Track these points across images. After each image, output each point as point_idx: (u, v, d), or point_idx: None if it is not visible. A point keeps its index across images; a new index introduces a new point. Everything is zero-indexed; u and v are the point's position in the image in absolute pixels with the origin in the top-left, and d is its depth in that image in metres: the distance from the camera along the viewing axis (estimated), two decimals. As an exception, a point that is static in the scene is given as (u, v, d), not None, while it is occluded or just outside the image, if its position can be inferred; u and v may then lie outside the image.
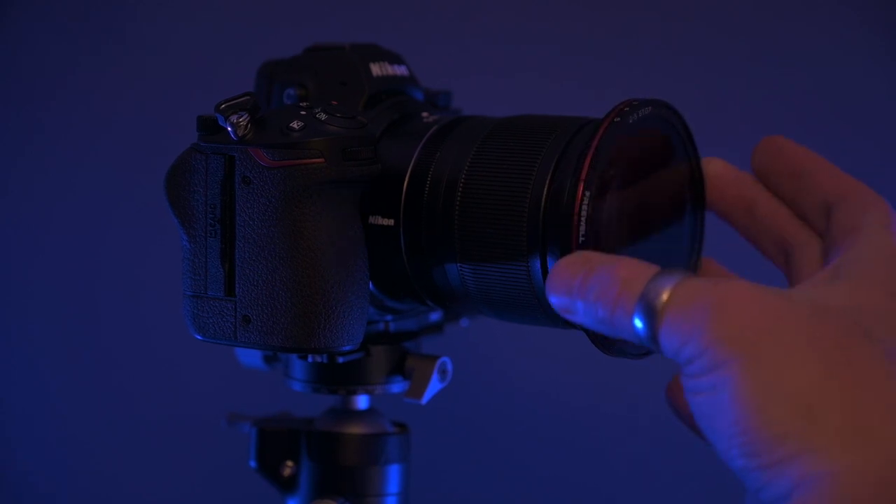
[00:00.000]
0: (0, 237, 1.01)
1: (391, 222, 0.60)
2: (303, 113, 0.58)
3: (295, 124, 0.57)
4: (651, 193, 0.58)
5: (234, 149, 0.57)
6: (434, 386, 0.65)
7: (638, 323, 0.48)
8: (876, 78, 0.94)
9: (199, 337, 0.60)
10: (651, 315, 0.48)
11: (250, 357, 0.69)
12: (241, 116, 0.57)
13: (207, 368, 0.97)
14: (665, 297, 0.48)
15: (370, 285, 0.61)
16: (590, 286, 0.50)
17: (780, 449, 0.44)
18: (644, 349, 0.58)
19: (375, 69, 0.64)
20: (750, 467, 0.45)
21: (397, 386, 0.66)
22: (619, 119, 0.54)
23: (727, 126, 0.94)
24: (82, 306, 1.01)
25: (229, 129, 0.57)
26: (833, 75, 0.94)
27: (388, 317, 0.65)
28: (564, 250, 0.53)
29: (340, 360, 0.63)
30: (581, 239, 0.53)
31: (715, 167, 0.62)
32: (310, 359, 0.65)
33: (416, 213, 0.59)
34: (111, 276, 1.01)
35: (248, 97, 0.57)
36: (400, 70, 0.66)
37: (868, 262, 0.52)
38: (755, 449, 0.45)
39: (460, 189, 0.58)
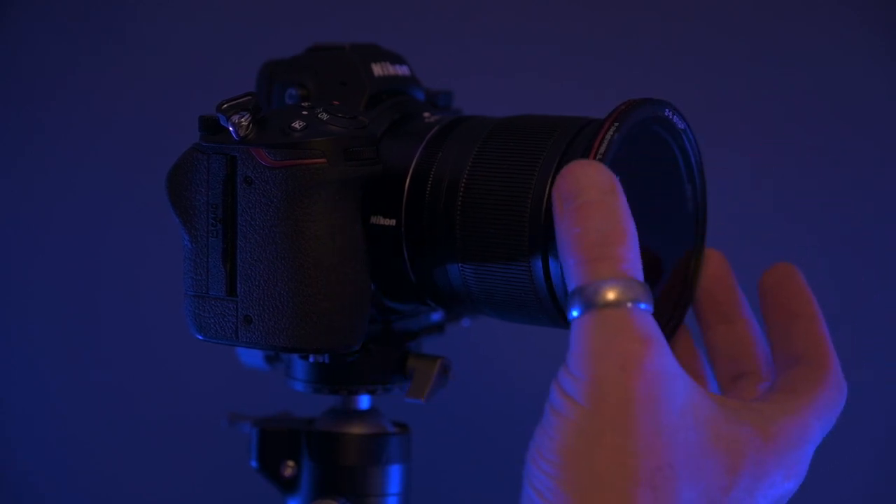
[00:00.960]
0: (0, 237, 1.01)
1: (392, 222, 0.60)
2: (304, 113, 0.58)
3: (297, 124, 0.57)
4: (653, 194, 0.58)
5: (236, 149, 0.57)
6: (435, 386, 0.65)
7: (574, 294, 0.49)
8: (876, 78, 0.94)
9: (200, 337, 0.60)
10: (585, 301, 0.48)
11: (251, 357, 0.69)
12: (243, 116, 0.57)
13: (208, 368, 0.97)
14: (609, 300, 0.48)
15: (371, 285, 0.61)
16: (587, 219, 0.50)
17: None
18: None
19: (376, 69, 0.64)
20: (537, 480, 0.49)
21: (398, 386, 0.66)
22: (621, 119, 0.54)
23: (727, 126, 0.94)
24: (82, 306, 1.01)
25: (231, 129, 0.57)
26: (833, 75, 0.94)
27: (390, 317, 0.65)
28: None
29: (342, 360, 0.63)
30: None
31: (713, 264, 0.62)
32: (311, 359, 0.65)
33: (417, 213, 0.59)
34: (111, 276, 1.00)
35: (249, 97, 0.57)
36: (401, 70, 0.66)
37: (766, 430, 0.52)
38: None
39: (462, 189, 0.58)
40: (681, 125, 0.58)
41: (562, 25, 0.97)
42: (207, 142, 0.58)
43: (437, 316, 0.69)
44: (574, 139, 0.56)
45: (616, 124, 0.54)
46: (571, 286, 0.50)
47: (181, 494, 1.02)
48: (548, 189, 0.55)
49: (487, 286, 0.57)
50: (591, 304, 0.48)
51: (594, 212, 0.50)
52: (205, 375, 0.99)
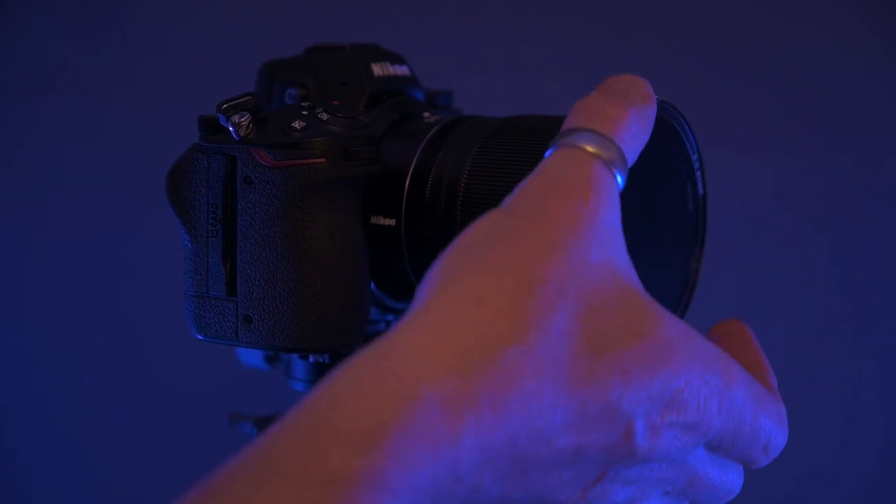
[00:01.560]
0: (0, 237, 1.01)
1: (392, 222, 0.60)
2: (304, 113, 0.58)
3: (296, 124, 0.57)
4: (653, 194, 0.58)
5: (236, 149, 0.57)
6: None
7: (566, 131, 0.47)
8: (876, 78, 0.94)
9: (200, 337, 0.60)
10: (567, 139, 0.46)
11: (251, 357, 0.69)
12: (243, 116, 0.57)
13: (208, 368, 0.97)
14: (585, 148, 0.46)
15: (371, 285, 0.61)
16: (607, 96, 0.49)
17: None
18: None
19: (376, 69, 0.64)
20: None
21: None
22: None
23: (727, 126, 0.94)
24: (82, 306, 1.01)
25: (231, 129, 0.57)
26: (833, 75, 0.94)
27: (390, 316, 0.65)
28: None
29: (342, 360, 0.63)
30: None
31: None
32: (311, 359, 0.65)
33: (417, 213, 0.59)
34: (111, 276, 1.00)
35: (249, 97, 0.57)
36: (401, 70, 0.66)
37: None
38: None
39: (462, 189, 0.58)
40: (681, 125, 0.58)
41: (562, 25, 0.97)
42: (207, 142, 0.58)
43: (436, 316, 0.69)
44: (574, 139, 0.56)
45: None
46: (570, 124, 0.47)
47: (181, 495, 1.02)
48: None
49: (487, 286, 0.57)
50: (564, 144, 0.46)
51: (622, 96, 0.49)
52: (205, 375, 0.99)
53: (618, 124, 0.48)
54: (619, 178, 0.47)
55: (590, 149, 0.46)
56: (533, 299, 0.42)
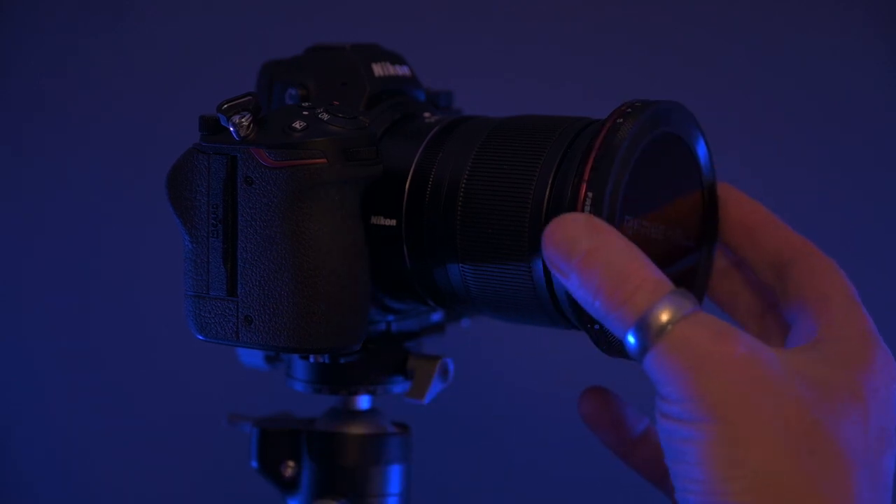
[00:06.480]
0: (0, 237, 1.01)
1: (393, 223, 0.60)
2: (305, 113, 0.58)
3: (297, 124, 0.57)
4: (656, 194, 0.58)
5: (237, 149, 0.57)
6: (435, 386, 0.65)
7: (631, 339, 0.49)
8: (876, 78, 0.94)
9: (200, 337, 0.60)
10: (645, 338, 0.48)
11: (252, 357, 0.69)
12: (244, 116, 0.57)
13: (208, 368, 0.97)
14: (665, 323, 0.48)
15: (371, 285, 0.61)
16: (595, 270, 0.49)
17: None
18: None
19: (377, 69, 0.64)
20: None
21: (399, 386, 0.66)
22: (621, 120, 0.54)
23: (727, 126, 0.94)
24: (83, 306, 1.01)
25: (231, 129, 0.57)
26: (833, 75, 0.94)
27: (390, 317, 0.65)
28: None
29: (342, 360, 0.63)
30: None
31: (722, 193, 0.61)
32: (311, 359, 0.65)
33: (417, 213, 0.59)
34: (112, 277, 1.01)
35: (249, 97, 0.57)
36: (401, 70, 0.66)
37: (848, 344, 0.53)
38: None
39: (462, 189, 0.58)
40: (688, 124, 0.58)
41: (562, 25, 0.97)
42: (208, 142, 0.58)
43: (437, 316, 0.69)
44: (576, 139, 0.56)
45: (617, 125, 0.54)
46: (623, 332, 0.49)
47: (181, 494, 1.02)
48: (548, 190, 0.55)
49: (487, 286, 0.57)
50: (653, 339, 0.48)
51: (599, 259, 0.50)
52: (205, 375, 0.99)
53: (648, 278, 0.49)
54: (698, 306, 0.49)
55: (670, 318, 0.48)
56: (816, 455, 0.47)
